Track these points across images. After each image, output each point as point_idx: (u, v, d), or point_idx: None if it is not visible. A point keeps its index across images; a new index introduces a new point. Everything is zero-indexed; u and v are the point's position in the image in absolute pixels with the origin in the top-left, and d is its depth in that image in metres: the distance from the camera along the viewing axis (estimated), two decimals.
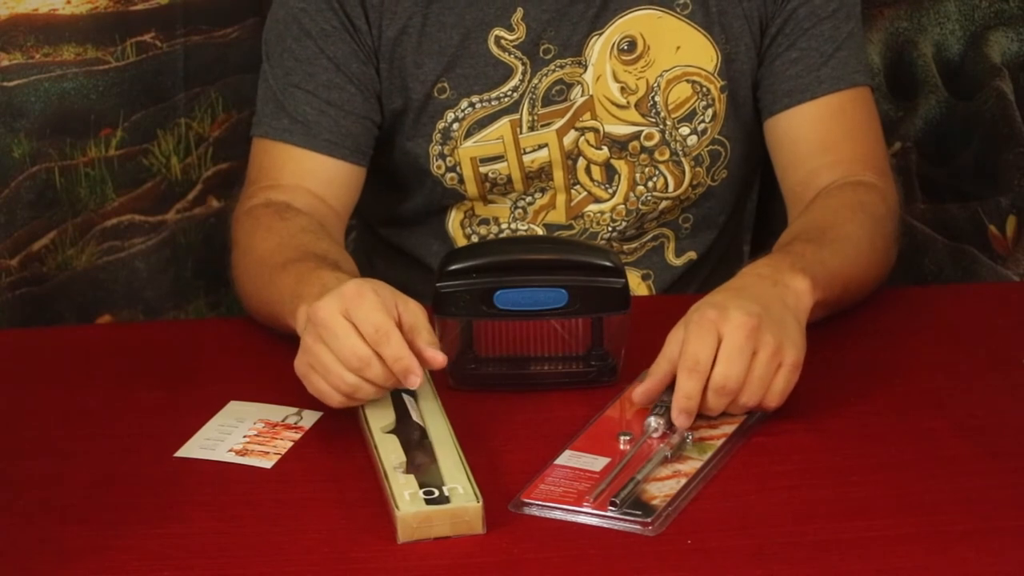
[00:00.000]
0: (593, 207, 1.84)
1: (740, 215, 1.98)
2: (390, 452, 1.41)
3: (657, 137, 1.82)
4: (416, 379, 1.43)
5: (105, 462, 1.47)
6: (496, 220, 1.86)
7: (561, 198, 1.84)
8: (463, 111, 1.80)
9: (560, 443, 1.45)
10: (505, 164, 1.81)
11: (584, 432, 1.47)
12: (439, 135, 1.81)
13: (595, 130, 1.81)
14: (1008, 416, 1.52)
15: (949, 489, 1.39)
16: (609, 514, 1.35)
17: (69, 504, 1.40)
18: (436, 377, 1.53)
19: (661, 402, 1.47)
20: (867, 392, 1.55)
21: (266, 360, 1.61)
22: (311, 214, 1.73)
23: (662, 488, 1.38)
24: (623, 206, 1.84)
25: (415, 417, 1.46)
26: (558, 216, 1.85)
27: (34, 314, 2.14)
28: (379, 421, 1.46)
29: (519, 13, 1.79)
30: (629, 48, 1.80)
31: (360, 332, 1.43)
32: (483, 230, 1.86)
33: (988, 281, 2.22)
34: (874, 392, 1.55)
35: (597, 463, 1.42)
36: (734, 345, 1.44)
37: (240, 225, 1.74)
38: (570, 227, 1.85)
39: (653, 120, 1.81)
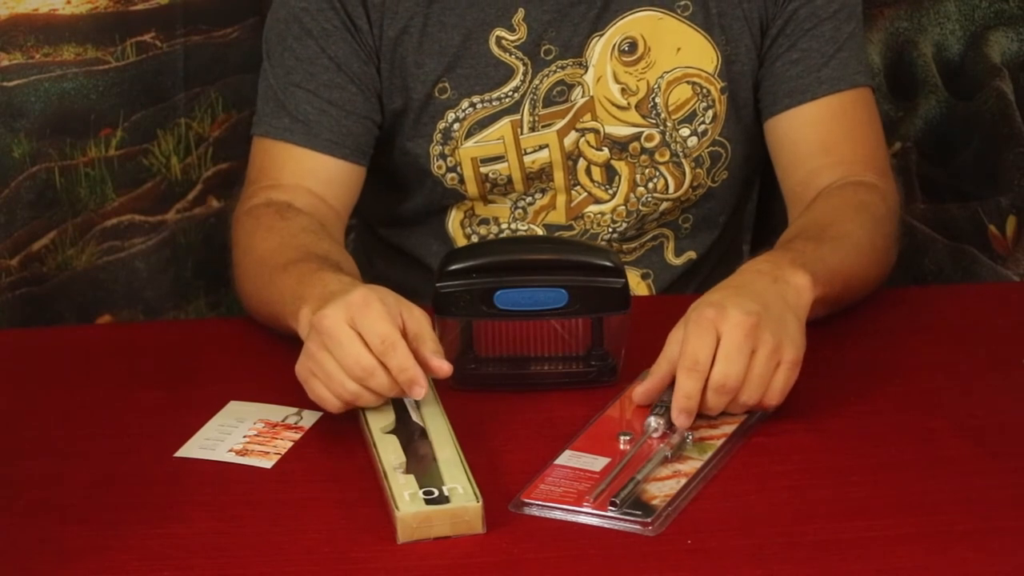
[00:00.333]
0: (593, 208, 1.84)
1: (740, 215, 1.98)
2: (390, 452, 1.41)
3: (657, 138, 1.82)
4: (421, 390, 1.43)
5: (105, 462, 1.47)
6: (496, 220, 1.86)
7: (561, 199, 1.84)
8: (464, 111, 1.80)
9: (560, 443, 1.45)
10: (506, 164, 1.81)
11: (584, 432, 1.47)
12: (440, 135, 1.81)
13: (595, 131, 1.81)
14: (1008, 416, 1.52)
15: (949, 489, 1.39)
16: (609, 514, 1.35)
17: (69, 504, 1.40)
18: (436, 377, 1.53)
19: (661, 402, 1.47)
20: (867, 392, 1.55)
21: (266, 360, 1.61)
22: (312, 214, 1.73)
23: (662, 488, 1.38)
24: (623, 207, 1.84)
25: (415, 417, 1.46)
26: (558, 217, 1.85)
27: (34, 314, 2.14)
28: (379, 421, 1.46)
29: (520, 14, 1.79)
30: (630, 49, 1.80)
31: (365, 342, 1.43)
32: (483, 230, 1.86)
33: (988, 281, 2.22)
34: (874, 392, 1.55)
35: (597, 463, 1.42)
36: (733, 344, 1.44)
37: (240, 225, 1.74)
38: (570, 228, 1.85)
39: (653, 121, 1.81)
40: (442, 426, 1.45)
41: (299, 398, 1.51)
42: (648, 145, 1.82)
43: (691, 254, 1.89)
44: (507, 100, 1.80)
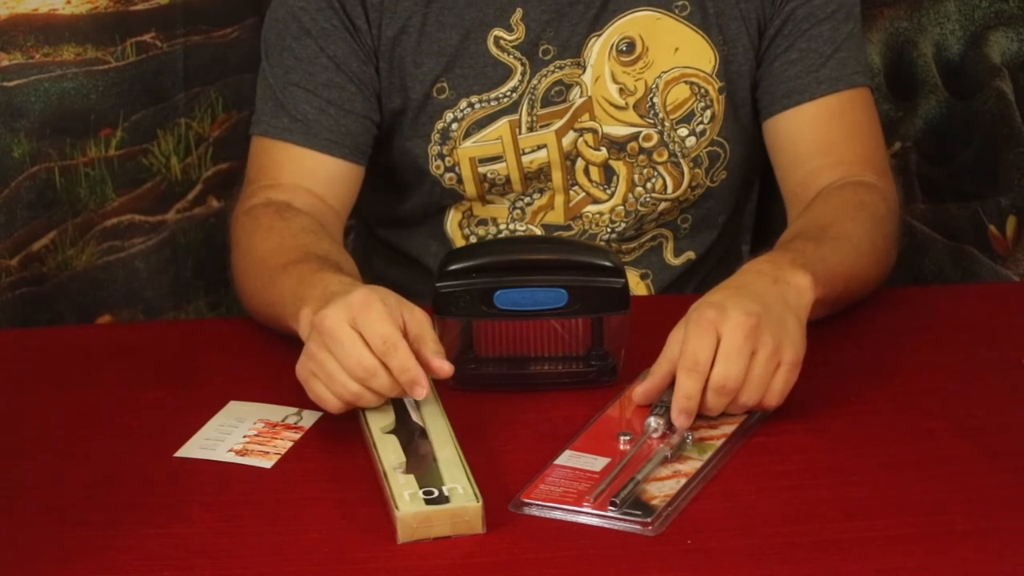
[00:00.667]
0: (592, 208, 1.84)
1: (739, 215, 1.98)
2: (390, 452, 1.41)
3: (655, 138, 1.82)
4: (422, 391, 1.43)
5: (105, 462, 1.47)
6: (494, 221, 1.86)
7: (560, 199, 1.84)
8: (462, 111, 1.80)
9: (560, 443, 1.45)
10: (504, 164, 1.81)
11: (584, 432, 1.47)
12: (438, 135, 1.81)
13: (593, 131, 1.81)
14: (1008, 416, 1.52)
15: (949, 489, 1.39)
16: (609, 514, 1.35)
17: (69, 504, 1.40)
18: (436, 377, 1.53)
19: (661, 402, 1.47)
20: (867, 392, 1.55)
21: (266, 360, 1.61)
22: (311, 214, 1.73)
23: (662, 488, 1.38)
24: (622, 207, 1.84)
25: (415, 417, 1.46)
26: (556, 217, 1.85)
27: (34, 314, 2.14)
28: (379, 421, 1.46)
29: (518, 13, 1.79)
30: (628, 49, 1.80)
31: (367, 342, 1.43)
32: (481, 231, 1.86)
33: (988, 281, 2.22)
34: (874, 392, 1.55)
35: (597, 463, 1.42)
36: (732, 345, 1.44)
37: (240, 225, 1.74)
38: (569, 228, 1.85)
39: (651, 121, 1.81)
40: (442, 426, 1.45)
41: (299, 398, 1.51)
42: (646, 145, 1.82)
43: (690, 254, 1.89)
44: (505, 100, 1.80)
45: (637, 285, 1.87)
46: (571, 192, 1.84)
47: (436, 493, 1.34)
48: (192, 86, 2.18)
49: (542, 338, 1.55)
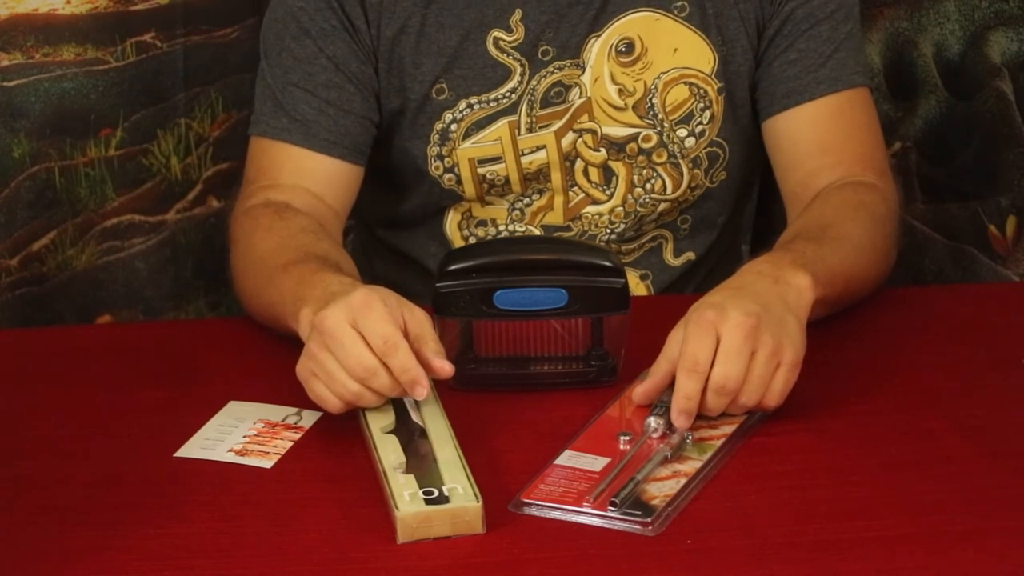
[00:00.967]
0: (591, 209, 1.84)
1: (739, 216, 1.98)
2: (390, 452, 1.41)
3: (655, 139, 1.82)
4: (423, 391, 1.43)
5: (105, 462, 1.47)
6: (494, 222, 1.86)
7: (559, 200, 1.84)
8: (461, 112, 1.80)
9: (560, 443, 1.45)
10: (503, 165, 1.81)
11: (584, 432, 1.47)
12: (437, 136, 1.81)
13: (593, 132, 1.81)
14: (1008, 416, 1.52)
15: (949, 489, 1.39)
16: (609, 514, 1.35)
17: (69, 504, 1.40)
18: (436, 377, 1.53)
19: (661, 402, 1.47)
20: (867, 392, 1.55)
21: (266, 360, 1.61)
22: (310, 214, 1.73)
23: (662, 488, 1.38)
24: (621, 208, 1.84)
25: (415, 417, 1.46)
26: (556, 218, 1.85)
27: (34, 314, 2.14)
28: (379, 421, 1.46)
29: (518, 14, 1.79)
30: (627, 50, 1.80)
31: (367, 343, 1.43)
32: (481, 232, 1.86)
33: (988, 281, 2.22)
34: (874, 392, 1.55)
35: (597, 463, 1.42)
36: (732, 345, 1.44)
37: (239, 225, 1.74)
38: (568, 228, 1.85)
39: (651, 122, 1.81)
40: (442, 426, 1.45)
41: (299, 398, 1.51)
42: (645, 146, 1.82)
43: (690, 255, 1.89)
44: (504, 101, 1.80)
45: (637, 286, 1.87)
46: (570, 193, 1.84)
47: (436, 493, 1.34)
48: (192, 86, 2.18)
49: (542, 338, 1.55)
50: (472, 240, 1.86)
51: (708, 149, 1.83)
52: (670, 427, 1.45)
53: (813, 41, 1.80)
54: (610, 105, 1.81)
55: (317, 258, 1.61)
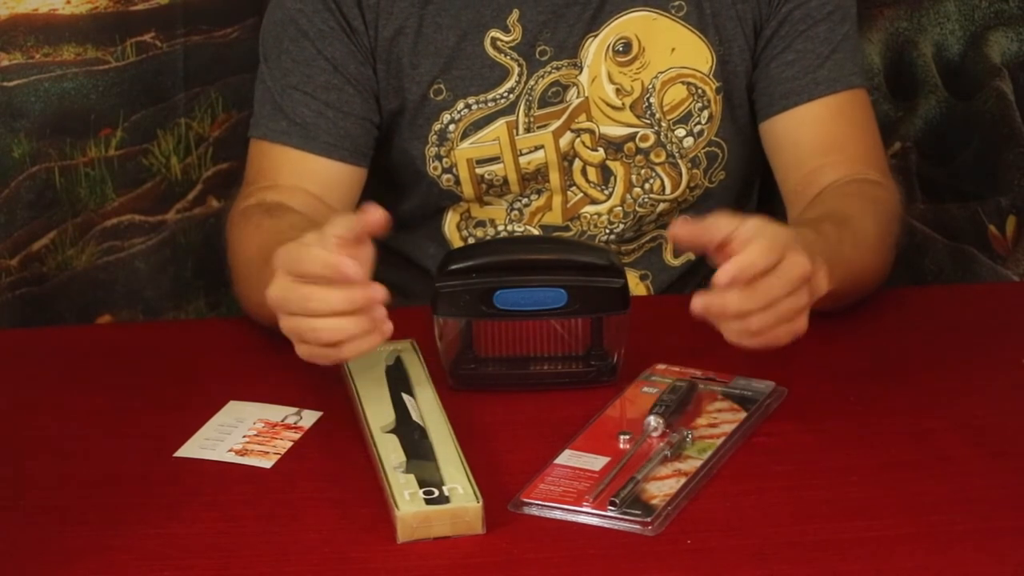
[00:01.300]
0: (590, 208, 1.84)
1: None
2: (390, 452, 1.41)
3: (652, 139, 1.82)
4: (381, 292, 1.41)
5: (105, 462, 1.47)
6: (492, 222, 1.86)
7: (557, 200, 1.84)
8: (459, 112, 1.80)
9: (560, 443, 1.45)
10: (501, 166, 1.81)
11: (584, 432, 1.47)
12: (435, 136, 1.81)
13: (591, 132, 1.81)
14: (1008, 416, 1.52)
15: (949, 489, 1.39)
16: (609, 514, 1.35)
17: (69, 504, 1.40)
18: (436, 377, 1.53)
19: (661, 402, 1.47)
20: (867, 392, 1.55)
21: (266, 360, 1.61)
22: (306, 213, 1.72)
23: (662, 488, 1.38)
24: (620, 208, 1.84)
25: (415, 417, 1.46)
26: (554, 218, 1.85)
27: (34, 314, 2.14)
28: (379, 421, 1.46)
29: (515, 14, 1.79)
30: (624, 50, 1.80)
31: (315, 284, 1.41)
32: (479, 232, 1.86)
33: (988, 281, 2.22)
34: (874, 392, 1.55)
35: (597, 463, 1.42)
36: (794, 274, 1.42)
37: (234, 225, 1.74)
38: (567, 229, 1.85)
39: (648, 122, 1.81)
40: (442, 426, 1.46)
41: (299, 398, 1.51)
42: (643, 145, 1.82)
43: (690, 255, 1.89)
44: (502, 101, 1.80)
45: (636, 286, 1.87)
46: (569, 193, 1.84)
47: (436, 493, 1.34)
48: (192, 86, 2.18)
49: (542, 338, 1.55)
50: (471, 240, 1.86)
51: (707, 149, 1.83)
52: (670, 426, 1.45)
53: (811, 42, 1.80)
54: (608, 105, 1.81)
55: None
